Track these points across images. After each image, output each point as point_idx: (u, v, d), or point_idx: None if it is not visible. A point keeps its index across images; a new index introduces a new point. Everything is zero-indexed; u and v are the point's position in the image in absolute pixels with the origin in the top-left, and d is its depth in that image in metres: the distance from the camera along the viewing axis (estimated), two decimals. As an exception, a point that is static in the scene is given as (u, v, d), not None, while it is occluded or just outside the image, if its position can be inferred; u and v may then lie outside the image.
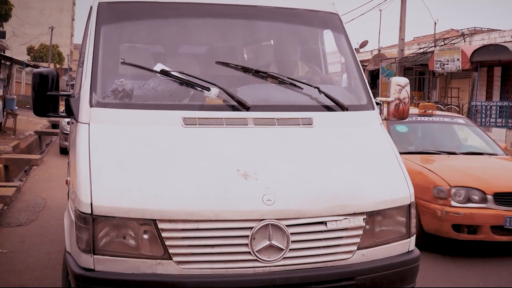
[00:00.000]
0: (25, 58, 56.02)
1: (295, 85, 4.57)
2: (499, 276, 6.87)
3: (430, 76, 35.35)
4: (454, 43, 32.92)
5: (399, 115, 4.90)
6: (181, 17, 4.99)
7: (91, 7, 4.97)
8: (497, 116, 27.02)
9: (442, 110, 30.64)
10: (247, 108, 4.23)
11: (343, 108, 4.51)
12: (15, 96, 29.97)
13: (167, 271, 3.54)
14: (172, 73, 4.39)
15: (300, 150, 4.12)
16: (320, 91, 4.52)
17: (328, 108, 4.52)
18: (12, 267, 6.71)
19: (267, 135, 4.17)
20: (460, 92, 32.68)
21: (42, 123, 29.98)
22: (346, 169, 4.10)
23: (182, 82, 4.38)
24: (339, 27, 5.20)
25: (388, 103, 4.89)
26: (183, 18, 5.00)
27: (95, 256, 3.56)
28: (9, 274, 6.45)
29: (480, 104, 28.41)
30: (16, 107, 26.90)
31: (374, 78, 40.34)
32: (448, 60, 29.87)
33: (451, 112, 30.54)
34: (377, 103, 4.80)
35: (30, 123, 28.32)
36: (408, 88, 4.93)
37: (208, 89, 4.31)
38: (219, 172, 3.79)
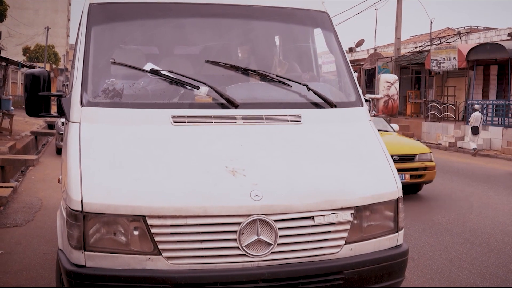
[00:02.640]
0: (20, 58, 55.96)
1: (284, 83, 4.61)
2: (496, 275, 6.89)
3: (426, 75, 35.40)
4: (450, 42, 32.99)
5: (388, 111, 4.95)
6: (171, 18, 5.03)
7: (83, 9, 5.02)
8: (494, 115, 27.10)
9: (439, 108, 30.82)
10: (236, 106, 4.28)
11: (331, 105, 4.56)
12: (11, 97, 30.04)
13: (156, 266, 3.58)
14: (162, 72, 4.43)
15: (288, 147, 4.17)
16: (308, 89, 4.57)
17: (316, 105, 4.56)
18: (8, 268, 6.72)
19: (255, 132, 4.21)
20: (456, 91, 32.74)
21: (38, 123, 29.95)
22: (333, 165, 4.14)
23: (172, 81, 4.42)
24: (328, 25, 5.24)
25: (377, 99, 4.93)
26: (174, 18, 5.04)
27: (86, 252, 3.60)
28: (5, 275, 6.45)
29: (476, 102, 28.47)
30: (12, 108, 26.96)
31: (370, 77, 40.42)
32: (444, 58, 29.92)
33: (447, 110, 30.74)
34: (366, 100, 4.85)
35: (26, 123, 28.31)
36: (397, 84, 4.98)
37: (198, 88, 4.35)
38: (208, 168, 3.84)
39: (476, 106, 24.67)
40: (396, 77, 5.07)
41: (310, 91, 4.57)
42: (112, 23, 4.91)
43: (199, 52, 5.13)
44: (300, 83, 4.63)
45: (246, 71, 4.68)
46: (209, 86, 4.34)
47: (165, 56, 5.09)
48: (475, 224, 9.76)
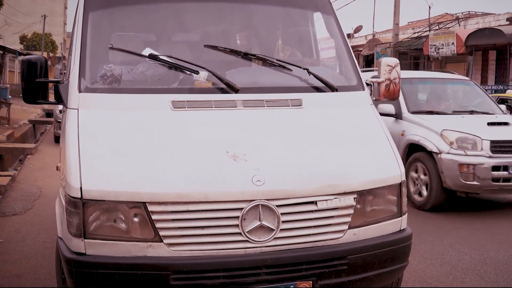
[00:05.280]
0: (18, 47, 55.83)
1: (284, 67, 4.56)
2: (496, 259, 6.88)
3: (425, 60, 35.32)
4: (448, 27, 32.90)
5: (390, 95, 4.90)
6: (169, 2, 4.97)
7: None
8: (492, 100, 27.05)
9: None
10: (236, 91, 4.22)
11: (332, 89, 4.51)
12: (8, 85, 29.94)
13: (158, 253, 3.54)
14: (161, 57, 4.37)
15: (290, 131, 4.12)
16: (309, 72, 4.52)
17: (317, 89, 4.51)
18: (8, 257, 6.69)
19: (256, 117, 4.16)
20: (455, 76, 32.63)
21: (36, 112, 29.89)
22: (336, 149, 4.09)
23: (171, 66, 4.36)
24: (328, 9, 5.18)
25: (379, 83, 4.88)
26: (171, 3, 4.99)
27: (86, 240, 3.55)
28: (4, 264, 6.43)
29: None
30: (10, 96, 26.84)
31: (369, 63, 40.31)
32: (442, 44, 29.85)
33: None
34: (367, 84, 4.79)
35: (24, 112, 28.24)
36: (398, 68, 4.92)
37: (197, 73, 4.29)
38: (208, 154, 3.78)
39: None
40: (398, 61, 5.01)
41: (311, 75, 4.52)
42: (109, 8, 4.84)
43: (198, 37, 5.06)
44: (301, 67, 4.57)
45: (245, 56, 4.61)
46: (209, 71, 4.28)
47: (164, 41, 5.04)
48: (475, 208, 9.75)
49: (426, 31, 34.72)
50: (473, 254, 7.06)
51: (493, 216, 9.16)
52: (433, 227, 8.33)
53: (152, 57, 4.38)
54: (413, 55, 36.54)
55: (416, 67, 37.55)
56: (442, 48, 29.94)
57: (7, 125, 21.19)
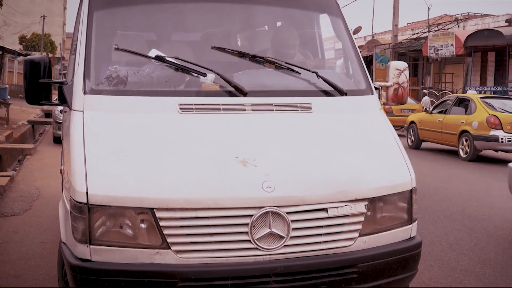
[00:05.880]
0: (17, 47, 55.84)
1: (292, 70, 4.49)
2: (495, 261, 6.83)
3: (424, 61, 35.40)
4: (447, 29, 32.97)
5: (398, 99, 4.85)
6: (175, 2, 4.91)
7: None
8: (491, 101, 27.05)
9: (436, 95, 30.79)
10: (244, 94, 4.14)
11: (342, 93, 4.43)
12: (7, 86, 29.94)
13: (165, 260, 3.46)
14: (168, 58, 4.30)
15: (300, 136, 4.05)
16: (318, 76, 4.44)
17: (326, 93, 4.44)
18: (6, 257, 6.64)
19: (265, 121, 4.09)
20: (454, 78, 32.71)
21: (35, 112, 29.86)
22: (346, 155, 4.02)
23: (178, 68, 4.29)
24: (335, 11, 5.11)
25: (387, 87, 4.82)
26: (178, 3, 4.92)
27: (91, 246, 3.47)
28: (3, 264, 6.38)
29: (474, 89, 28.42)
30: (9, 97, 26.85)
31: (367, 65, 40.35)
32: (442, 45, 29.92)
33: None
34: (376, 88, 4.73)
35: (23, 112, 28.21)
36: (407, 72, 4.88)
37: (204, 75, 4.22)
38: (217, 159, 3.71)
39: (424, 91, 25.59)
40: (406, 65, 4.96)
41: (320, 78, 4.44)
42: (114, 8, 4.77)
43: (203, 38, 5.00)
44: (309, 70, 4.50)
45: (253, 58, 4.54)
46: (217, 73, 4.20)
47: (170, 42, 4.96)
48: (474, 210, 9.69)
49: (425, 32, 34.76)
50: (472, 255, 7.02)
51: (491, 219, 9.10)
52: (432, 229, 8.29)
53: (158, 58, 4.31)
54: (412, 56, 36.59)
55: (415, 68, 37.61)
56: (441, 49, 30.01)
57: (6, 126, 21.13)
